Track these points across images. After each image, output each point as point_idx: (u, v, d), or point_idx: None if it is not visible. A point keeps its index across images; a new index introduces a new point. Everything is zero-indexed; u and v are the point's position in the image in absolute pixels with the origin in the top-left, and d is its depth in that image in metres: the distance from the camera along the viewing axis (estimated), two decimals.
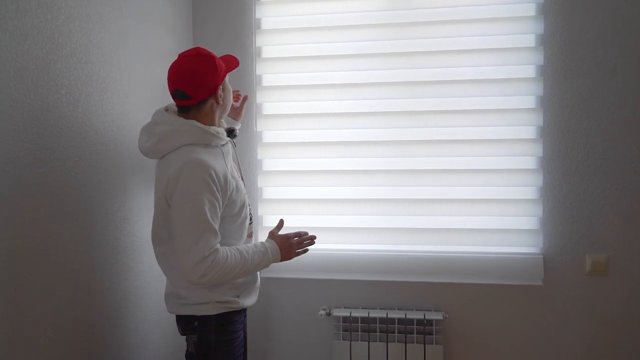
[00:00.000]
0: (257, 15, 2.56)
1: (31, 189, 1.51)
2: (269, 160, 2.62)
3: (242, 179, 1.91)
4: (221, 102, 1.75)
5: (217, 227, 1.64)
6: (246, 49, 2.55)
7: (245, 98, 2.27)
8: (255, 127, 2.55)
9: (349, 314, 2.44)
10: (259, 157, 2.59)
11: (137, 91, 2.06)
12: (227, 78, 1.79)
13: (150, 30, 2.19)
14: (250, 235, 1.91)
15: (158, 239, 1.76)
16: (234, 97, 2.24)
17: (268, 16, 2.58)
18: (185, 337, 1.80)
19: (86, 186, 1.76)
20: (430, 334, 2.39)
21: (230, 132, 1.88)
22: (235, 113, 2.21)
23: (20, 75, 1.45)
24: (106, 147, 1.86)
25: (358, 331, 2.44)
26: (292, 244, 1.85)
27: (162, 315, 2.19)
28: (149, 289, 2.14)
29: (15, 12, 1.43)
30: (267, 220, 2.60)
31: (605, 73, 2.31)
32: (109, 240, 1.89)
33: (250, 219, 1.91)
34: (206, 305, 1.74)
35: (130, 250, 2.02)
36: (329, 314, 2.49)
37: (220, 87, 1.73)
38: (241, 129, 2.49)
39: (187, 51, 1.72)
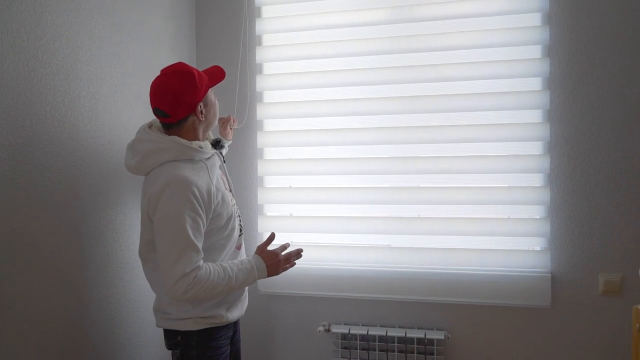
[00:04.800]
0: (258, 32, 2.56)
1: (19, 202, 1.55)
2: (270, 177, 2.60)
3: (231, 191, 1.90)
4: (203, 119, 1.75)
5: (200, 244, 1.63)
6: (247, 65, 2.56)
7: (233, 121, 2.29)
8: (256, 143, 2.55)
9: (347, 331, 2.39)
10: (259, 173, 2.58)
11: (132, 106, 2.09)
12: (210, 92, 1.78)
13: (149, 46, 2.22)
14: (239, 248, 1.89)
15: (144, 255, 1.78)
16: (228, 123, 2.26)
17: (269, 32, 2.57)
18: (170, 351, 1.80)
19: (76, 201, 1.79)
20: (431, 353, 2.31)
21: (217, 143, 1.88)
22: (224, 134, 2.22)
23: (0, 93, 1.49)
24: (96, 161, 1.89)
25: (357, 349, 2.38)
26: (280, 261, 1.82)
27: (154, 330, 2.20)
28: (141, 303, 2.15)
29: None
30: None
31: (614, 83, 2.20)
32: (99, 254, 1.91)
33: (241, 231, 1.90)
34: (188, 321, 1.74)
35: (122, 264, 2.04)
36: (327, 330, 2.44)
37: (201, 104, 1.72)
38: (242, 144, 2.51)
39: (168, 67, 1.73)
